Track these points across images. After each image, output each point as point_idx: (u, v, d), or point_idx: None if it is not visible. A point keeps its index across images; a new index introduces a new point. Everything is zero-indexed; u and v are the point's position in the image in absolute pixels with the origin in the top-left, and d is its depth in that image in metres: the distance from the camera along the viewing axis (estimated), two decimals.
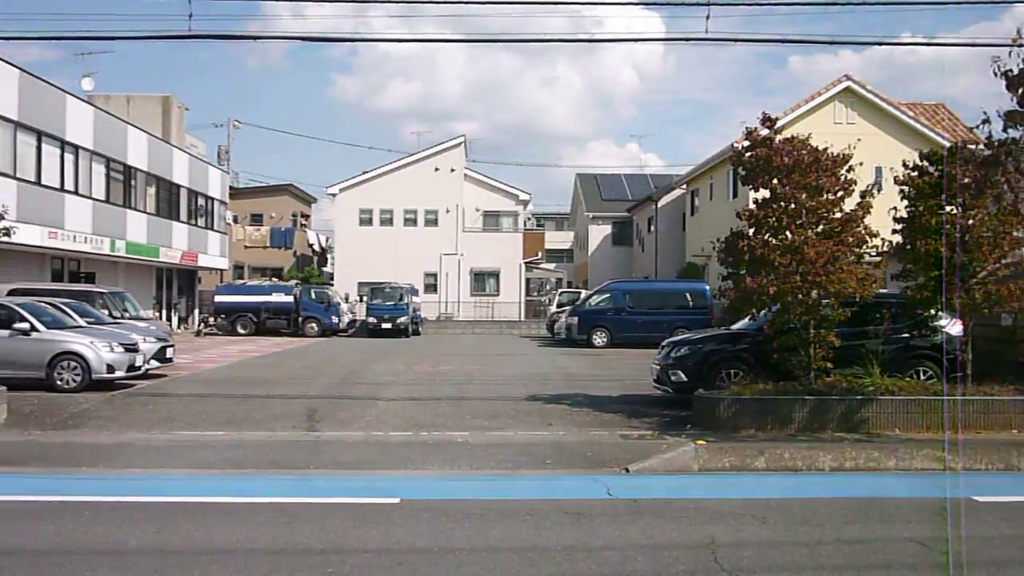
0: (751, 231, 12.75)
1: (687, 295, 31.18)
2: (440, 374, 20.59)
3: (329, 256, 59.59)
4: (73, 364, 15.95)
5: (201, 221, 41.24)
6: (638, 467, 9.76)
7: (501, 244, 49.85)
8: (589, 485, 9.02)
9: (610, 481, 9.11)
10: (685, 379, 14.24)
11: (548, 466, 10.00)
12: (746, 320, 14.35)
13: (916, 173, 12.98)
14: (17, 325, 15.94)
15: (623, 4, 14.19)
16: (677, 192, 46.36)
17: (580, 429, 12.43)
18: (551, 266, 61.85)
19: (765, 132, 12.81)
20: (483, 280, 49.85)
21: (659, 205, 47.93)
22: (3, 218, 13.48)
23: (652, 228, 48.87)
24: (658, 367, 15.03)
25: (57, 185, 26.95)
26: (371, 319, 38.32)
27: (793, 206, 12.42)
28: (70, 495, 8.39)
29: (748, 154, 12.92)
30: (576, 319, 31.51)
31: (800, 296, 12.17)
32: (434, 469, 9.86)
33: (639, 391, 16.51)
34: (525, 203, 53.33)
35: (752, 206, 12.98)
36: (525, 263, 50.67)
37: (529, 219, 58.25)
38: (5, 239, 13.97)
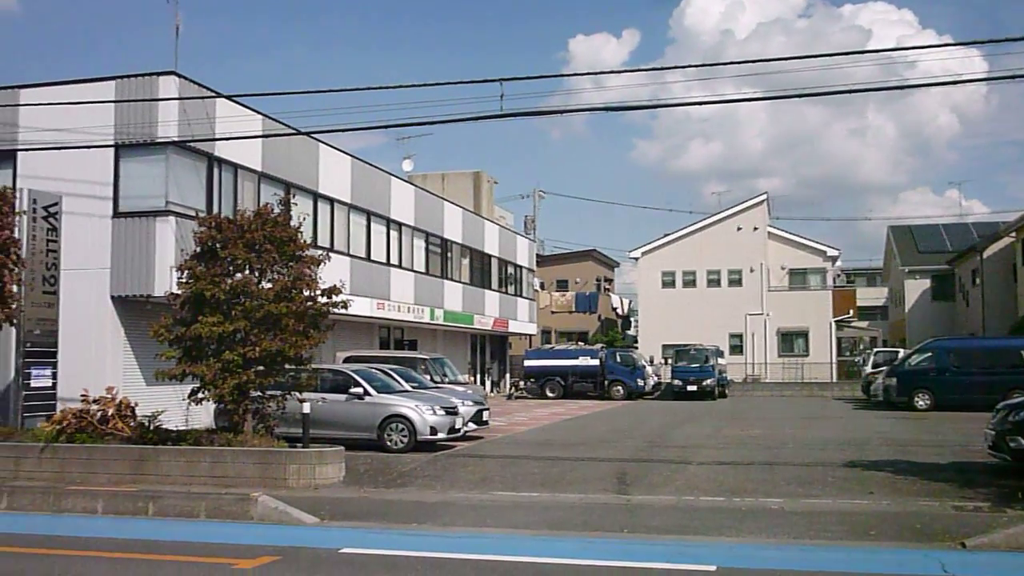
0: None
1: (1022, 353, 28.47)
2: (750, 437, 20.08)
3: (632, 319, 60.18)
4: (401, 426, 17.09)
5: (511, 289, 43.16)
6: (976, 542, 8.96)
7: (809, 302, 48.21)
8: (920, 560, 8.40)
9: (944, 557, 8.43)
10: None
11: (872, 537, 9.43)
12: None
13: None
14: (353, 390, 17.41)
15: (936, 47, 13.49)
16: (1005, 241, 42.59)
17: (905, 498, 11.63)
18: (863, 324, 58.83)
19: None
20: (791, 340, 48.33)
21: (984, 256, 44.27)
22: (341, 292, 14.80)
23: (977, 281, 45.20)
24: (993, 432, 13.75)
25: (384, 260, 29.30)
26: (676, 381, 38.11)
27: None
28: (402, 550, 8.98)
29: None
30: (895, 380, 29.65)
31: None
32: (750, 536, 9.59)
33: (971, 458, 15.26)
34: (833, 259, 51.33)
35: None
36: (835, 321, 48.60)
37: (838, 276, 55.89)
38: (343, 311, 15.34)
